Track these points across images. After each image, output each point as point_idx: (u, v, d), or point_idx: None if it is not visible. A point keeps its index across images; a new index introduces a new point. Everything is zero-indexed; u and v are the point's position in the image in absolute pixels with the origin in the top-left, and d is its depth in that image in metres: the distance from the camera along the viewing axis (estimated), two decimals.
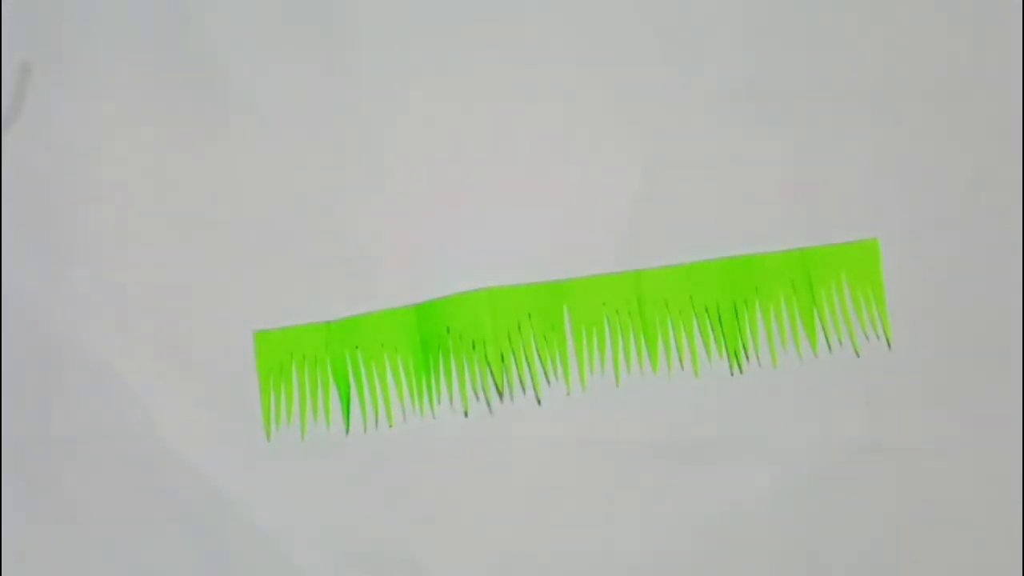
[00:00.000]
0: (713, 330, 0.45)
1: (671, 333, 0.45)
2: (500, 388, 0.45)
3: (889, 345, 0.45)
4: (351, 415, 0.45)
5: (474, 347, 0.44)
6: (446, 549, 0.44)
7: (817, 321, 0.45)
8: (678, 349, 0.45)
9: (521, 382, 0.45)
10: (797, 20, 0.49)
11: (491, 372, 0.44)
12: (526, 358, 0.45)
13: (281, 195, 0.46)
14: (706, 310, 0.45)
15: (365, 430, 0.45)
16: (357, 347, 0.45)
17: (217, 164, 0.47)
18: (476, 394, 0.45)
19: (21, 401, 0.44)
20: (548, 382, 0.45)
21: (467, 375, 0.45)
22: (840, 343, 0.45)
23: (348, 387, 0.45)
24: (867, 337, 0.45)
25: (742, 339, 0.45)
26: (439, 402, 0.45)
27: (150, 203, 0.46)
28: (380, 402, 0.45)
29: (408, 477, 0.44)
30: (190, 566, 0.43)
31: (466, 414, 0.45)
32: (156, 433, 0.44)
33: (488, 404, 0.45)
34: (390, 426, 0.44)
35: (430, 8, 0.48)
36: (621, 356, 0.45)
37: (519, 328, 0.45)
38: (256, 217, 0.46)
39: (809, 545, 0.44)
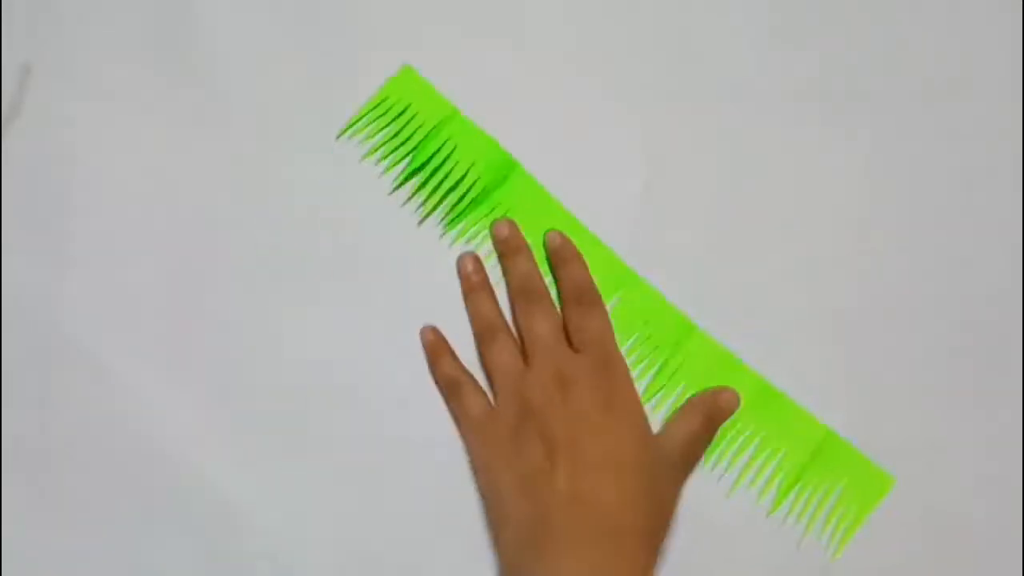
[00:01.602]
0: None
1: None
2: None
3: (830, 559, 0.44)
4: (408, 185, 0.46)
5: None
6: (446, 549, 0.44)
7: (792, 490, 0.45)
8: None
9: None
10: (797, 20, 0.49)
11: None
12: None
13: (281, 195, 0.46)
14: None
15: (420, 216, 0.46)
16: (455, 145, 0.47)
17: (217, 164, 0.47)
18: None
19: (21, 401, 0.44)
20: None
21: None
22: (794, 522, 0.45)
23: (421, 165, 0.47)
24: (819, 539, 0.44)
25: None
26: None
27: (150, 203, 0.46)
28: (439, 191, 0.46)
29: (407, 477, 0.44)
30: (190, 566, 0.43)
31: None
32: (156, 433, 0.44)
33: None
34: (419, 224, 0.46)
35: (433, 8, 0.48)
36: None
37: None
38: (255, 216, 0.46)
39: (809, 544, 0.44)
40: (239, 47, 0.48)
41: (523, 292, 0.45)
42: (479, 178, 0.47)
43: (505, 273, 0.46)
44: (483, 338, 0.45)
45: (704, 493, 0.44)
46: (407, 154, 0.47)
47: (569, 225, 0.46)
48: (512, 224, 0.46)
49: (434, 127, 0.47)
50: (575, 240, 0.46)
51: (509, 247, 0.46)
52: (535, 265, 0.46)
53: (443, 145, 0.47)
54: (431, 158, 0.47)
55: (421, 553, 0.44)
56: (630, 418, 0.42)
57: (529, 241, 0.46)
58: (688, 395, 0.45)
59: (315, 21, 0.48)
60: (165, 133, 0.47)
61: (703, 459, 0.44)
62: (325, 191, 0.46)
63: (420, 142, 0.47)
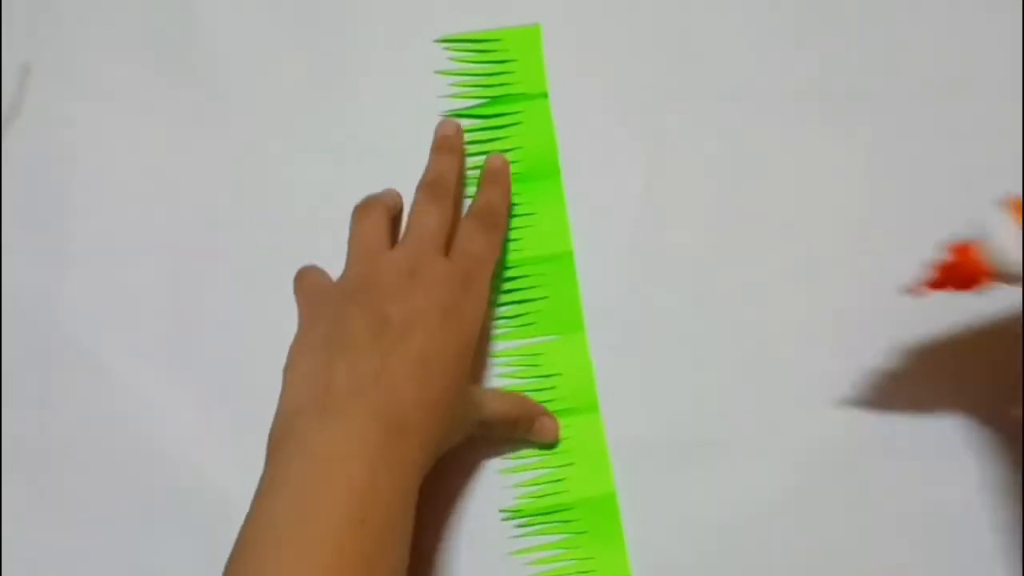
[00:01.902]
0: None
1: None
2: None
3: None
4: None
5: None
6: (445, 548, 0.44)
7: None
8: None
9: None
10: (797, 20, 0.49)
11: None
12: None
13: (281, 195, 0.46)
14: None
15: None
16: None
17: (217, 164, 0.47)
18: None
19: (21, 401, 0.44)
20: None
21: None
22: None
23: (483, 116, 0.47)
24: None
25: None
26: None
27: (150, 203, 0.46)
28: None
29: None
30: (190, 566, 0.43)
31: None
32: (156, 433, 0.44)
33: None
34: None
35: (430, 10, 0.48)
36: None
37: None
38: (255, 216, 0.46)
39: (811, 545, 0.44)
40: (239, 47, 0.48)
41: (431, 185, 0.44)
42: (518, 163, 0.47)
43: (428, 165, 0.45)
44: (361, 207, 0.44)
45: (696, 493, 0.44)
46: (478, 98, 0.47)
47: (563, 253, 0.46)
48: (460, 130, 0.46)
49: (519, 94, 0.47)
50: (557, 268, 0.46)
51: (446, 144, 0.46)
52: (459, 171, 0.45)
53: (512, 114, 0.47)
54: (494, 116, 0.47)
55: (422, 552, 0.44)
56: (462, 337, 0.41)
57: (522, 243, 0.46)
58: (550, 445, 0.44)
59: (315, 21, 0.48)
60: (165, 133, 0.47)
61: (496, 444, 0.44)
62: (325, 191, 0.46)
63: (496, 97, 0.47)
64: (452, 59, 0.48)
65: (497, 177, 0.46)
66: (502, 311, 0.46)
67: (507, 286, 0.46)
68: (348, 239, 0.44)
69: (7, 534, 0.43)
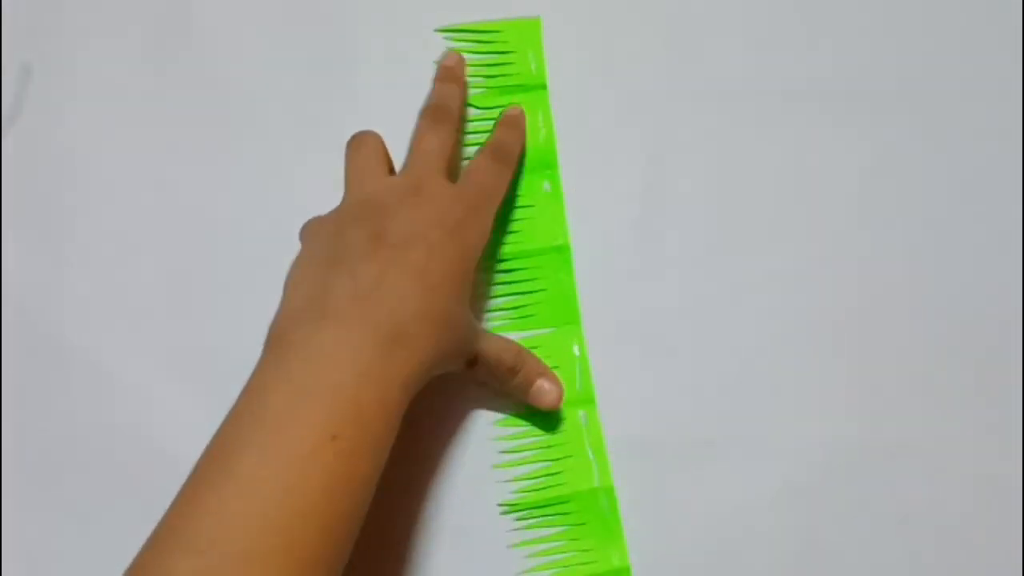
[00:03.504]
0: None
1: None
2: None
3: None
4: None
5: None
6: (445, 541, 0.44)
7: None
8: None
9: None
10: (797, 20, 0.49)
11: None
12: None
13: (280, 194, 0.46)
14: None
15: None
16: None
17: (217, 164, 0.47)
18: None
19: (21, 401, 0.44)
20: None
21: None
22: None
23: (480, 107, 0.48)
24: None
25: None
26: None
27: (150, 203, 0.46)
28: None
29: (407, 477, 0.44)
30: None
31: None
32: (156, 433, 0.44)
33: None
34: None
35: (429, 10, 0.48)
36: None
37: None
38: (255, 216, 0.46)
39: (810, 544, 0.44)
40: (239, 47, 0.48)
41: (432, 110, 0.45)
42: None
43: (430, 92, 0.46)
44: (354, 139, 0.44)
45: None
46: (477, 88, 0.47)
47: (560, 247, 0.46)
48: (462, 61, 0.47)
49: (517, 85, 0.47)
50: (554, 261, 0.46)
51: (448, 75, 0.46)
52: (460, 99, 0.46)
53: (509, 107, 0.47)
54: (493, 108, 0.47)
55: (422, 545, 0.44)
56: (465, 255, 0.41)
57: (520, 236, 0.46)
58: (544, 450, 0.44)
59: (315, 20, 0.48)
60: (165, 133, 0.47)
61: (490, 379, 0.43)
62: (325, 188, 0.46)
63: (495, 88, 0.47)
64: (452, 49, 0.48)
65: (513, 122, 0.46)
66: (499, 303, 0.46)
67: (504, 278, 0.46)
68: (345, 169, 0.44)
69: (7, 534, 0.43)
